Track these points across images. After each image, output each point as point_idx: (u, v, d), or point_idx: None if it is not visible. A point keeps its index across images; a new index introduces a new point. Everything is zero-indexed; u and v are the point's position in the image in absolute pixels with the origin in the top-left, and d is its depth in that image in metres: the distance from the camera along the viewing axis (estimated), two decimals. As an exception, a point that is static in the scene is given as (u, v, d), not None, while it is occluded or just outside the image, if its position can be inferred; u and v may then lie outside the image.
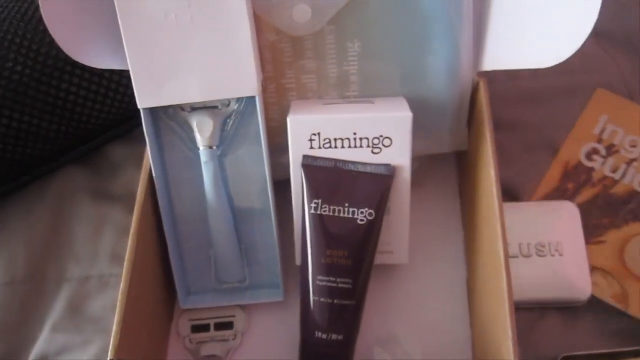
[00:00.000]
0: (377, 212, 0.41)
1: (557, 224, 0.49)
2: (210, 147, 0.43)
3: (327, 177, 0.42)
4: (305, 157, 0.42)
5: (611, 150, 0.53)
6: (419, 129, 0.42)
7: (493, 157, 0.41)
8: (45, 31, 0.49)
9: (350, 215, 0.41)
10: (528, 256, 0.47)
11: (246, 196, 0.45)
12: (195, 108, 0.43)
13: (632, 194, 0.51)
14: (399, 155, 0.42)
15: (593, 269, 0.47)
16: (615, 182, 0.51)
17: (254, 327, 0.47)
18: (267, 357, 0.46)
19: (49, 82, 0.51)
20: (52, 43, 0.50)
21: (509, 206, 0.49)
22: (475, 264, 0.45)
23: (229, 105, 0.43)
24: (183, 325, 0.47)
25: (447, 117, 0.46)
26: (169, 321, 0.48)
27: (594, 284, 0.47)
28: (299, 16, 0.41)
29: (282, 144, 0.43)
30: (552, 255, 0.47)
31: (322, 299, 0.41)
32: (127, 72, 0.40)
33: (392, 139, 0.41)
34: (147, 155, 0.43)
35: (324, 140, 0.42)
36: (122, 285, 0.39)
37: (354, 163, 0.42)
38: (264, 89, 0.44)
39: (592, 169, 0.52)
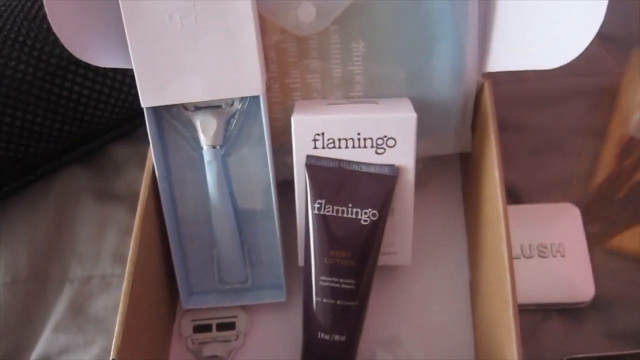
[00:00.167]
0: (380, 213, 0.41)
1: (559, 226, 0.49)
2: (214, 147, 0.43)
3: (331, 177, 0.42)
4: (309, 157, 0.42)
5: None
6: (423, 129, 0.41)
7: (497, 158, 0.41)
8: (49, 29, 0.49)
9: (354, 216, 0.41)
10: (530, 257, 0.47)
11: (249, 196, 0.45)
12: (198, 107, 0.42)
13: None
14: (402, 155, 0.42)
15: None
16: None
17: (256, 327, 0.47)
18: (269, 357, 0.46)
19: (52, 81, 0.51)
20: (55, 41, 0.50)
21: (510, 208, 0.49)
22: (479, 265, 0.45)
23: (232, 105, 0.43)
24: (185, 325, 0.47)
25: (451, 118, 0.46)
26: (171, 321, 0.48)
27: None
28: (304, 16, 0.41)
29: (286, 144, 0.43)
30: (554, 256, 0.47)
31: (324, 300, 0.41)
32: (131, 71, 0.40)
33: (396, 140, 0.41)
34: (150, 155, 0.43)
35: (328, 140, 0.42)
36: (124, 285, 0.38)
37: (357, 163, 0.42)
38: (268, 89, 0.44)
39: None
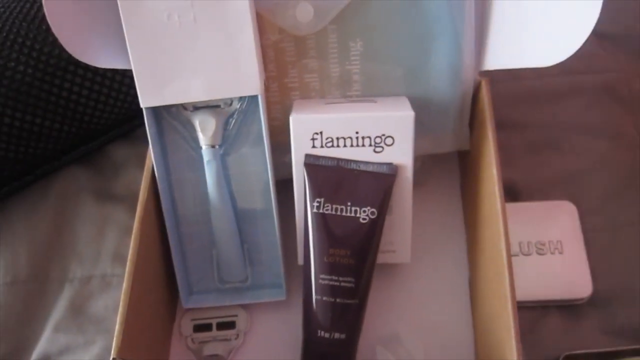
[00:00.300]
0: (379, 211, 0.41)
1: (557, 223, 0.49)
2: (213, 146, 0.43)
3: (329, 176, 0.42)
4: (308, 155, 0.42)
5: None
6: (421, 128, 0.42)
7: (495, 156, 0.41)
8: (48, 30, 0.50)
9: (353, 214, 0.41)
10: (528, 254, 0.48)
11: (248, 195, 0.45)
12: (197, 107, 0.43)
13: None
14: (401, 154, 0.42)
15: None
16: None
17: (256, 326, 0.47)
18: (269, 356, 0.46)
19: (52, 81, 0.51)
20: (54, 42, 0.50)
21: (508, 206, 0.49)
22: (478, 263, 0.45)
23: (231, 104, 0.43)
24: (185, 324, 0.47)
25: (449, 116, 0.46)
26: (171, 321, 0.48)
27: None
28: (302, 15, 0.41)
29: (285, 143, 0.43)
30: (552, 254, 0.48)
31: (324, 298, 0.41)
32: (130, 71, 0.40)
33: (394, 138, 0.41)
34: (150, 155, 0.43)
35: (326, 139, 0.42)
36: (124, 285, 0.39)
37: (356, 162, 0.42)
38: (266, 88, 0.44)
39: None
